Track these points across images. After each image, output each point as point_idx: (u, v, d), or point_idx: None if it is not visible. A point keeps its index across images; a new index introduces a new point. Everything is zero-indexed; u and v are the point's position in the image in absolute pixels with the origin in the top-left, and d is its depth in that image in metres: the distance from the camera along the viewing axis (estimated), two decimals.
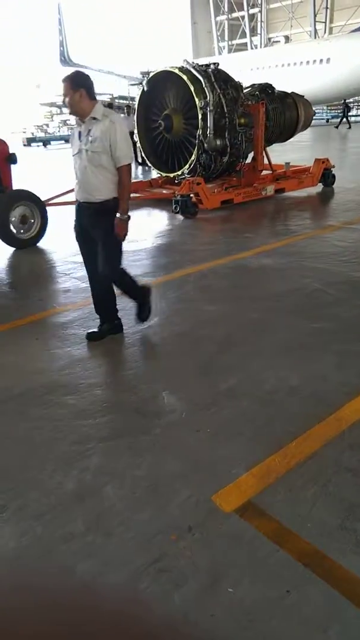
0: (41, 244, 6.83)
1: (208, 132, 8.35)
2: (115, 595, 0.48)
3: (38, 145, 37.34)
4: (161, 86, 9.01)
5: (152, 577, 1.89)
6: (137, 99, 9.52)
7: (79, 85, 3.42)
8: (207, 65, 8.77)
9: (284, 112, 9.91)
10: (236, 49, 49.44)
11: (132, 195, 9.33)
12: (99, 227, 3.63)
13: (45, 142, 36.60)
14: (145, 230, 7.43)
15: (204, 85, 8.24)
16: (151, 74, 9.11)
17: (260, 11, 48.67)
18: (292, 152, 15.19)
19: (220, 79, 8.60)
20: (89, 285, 4.02)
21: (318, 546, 1.99)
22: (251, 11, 49.14)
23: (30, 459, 2.62)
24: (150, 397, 3.12)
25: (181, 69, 8.48)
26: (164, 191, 9.32)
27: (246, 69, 33.88)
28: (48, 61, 45.06)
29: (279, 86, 10.16)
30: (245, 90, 9.81)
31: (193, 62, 8.68)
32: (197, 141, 8.47)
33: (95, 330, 3.96)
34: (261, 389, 3.12)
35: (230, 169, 9.07)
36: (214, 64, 8.86)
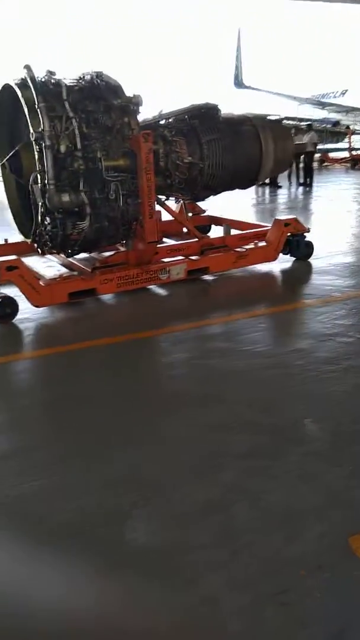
0: None
1: (47, 182, 5.09)
2: None
3: None
4: (15, 110, 5.89)
5: (275, 608, 1.84)
6: None
7: None
8: (81, 78, 5.53)
9: (232, 146, 6.27)
10: None
11: None
12: None
13: None
14: None
15: (37, 107, 5.01)
16: None
17: None
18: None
19: (87, 95, 5.32)
20: None
21: None
22: None
23: (170, 464, 2.69)
24: (291, 422, 3.02)
25: (21, 82, 5.32)
26: None
27: None
28: (223, 84, 42.55)
29: None
30: (165, 114, 6.37)
31: (49, 71, 5.44)
32: (30, 196, 5.26)
33: None
34: None
35: (105, 239, 5.65)
36: (97, 72, 5.58)
